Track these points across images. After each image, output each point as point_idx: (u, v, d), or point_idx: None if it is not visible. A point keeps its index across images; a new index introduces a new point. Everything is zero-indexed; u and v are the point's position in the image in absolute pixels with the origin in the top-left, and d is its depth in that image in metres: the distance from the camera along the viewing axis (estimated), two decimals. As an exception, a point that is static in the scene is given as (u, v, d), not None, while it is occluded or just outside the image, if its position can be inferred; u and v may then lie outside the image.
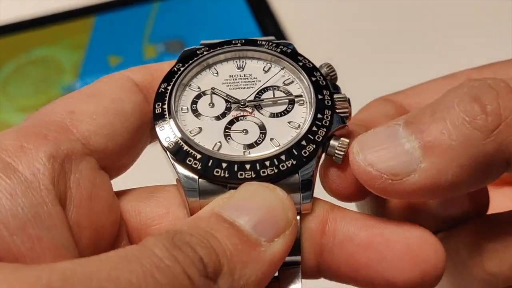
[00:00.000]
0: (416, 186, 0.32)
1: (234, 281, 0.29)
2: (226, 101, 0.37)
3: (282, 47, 0.39)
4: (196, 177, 0.34)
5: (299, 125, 0.36)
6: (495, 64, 0.43)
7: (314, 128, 0.35)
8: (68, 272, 0.25)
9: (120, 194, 0.36)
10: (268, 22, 0.88)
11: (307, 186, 0.34)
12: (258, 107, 0.37)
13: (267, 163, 0.34)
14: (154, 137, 0.36)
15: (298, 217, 0.34)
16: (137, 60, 0.84)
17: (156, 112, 0.36)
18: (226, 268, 0.29)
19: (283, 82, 0.38)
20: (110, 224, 0.34)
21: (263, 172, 0.34)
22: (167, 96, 0.36)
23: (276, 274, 0.34)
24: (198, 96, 0.38)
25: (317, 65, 0.38)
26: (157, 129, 0.36)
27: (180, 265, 0.27)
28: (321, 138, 0.35)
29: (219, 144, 0.35)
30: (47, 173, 0.31)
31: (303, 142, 0.35)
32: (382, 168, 0.32)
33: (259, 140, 0.36)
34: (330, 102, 0.36)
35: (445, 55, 0.81)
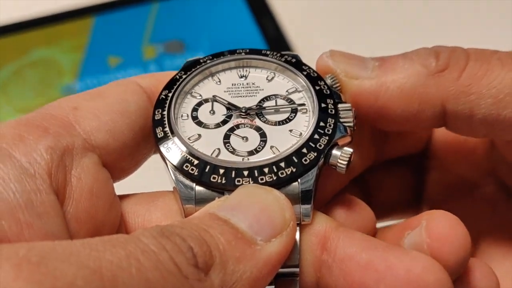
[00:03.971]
0: (361, 89, 0.37)
1: (227, 275, 0.28)
2: (227, 108, 0.37)
3: (286, 57, 0.39)
4: (193, 184, 0.34)
5: (301, 133, 0.36)
6: None
7: (316, 136, 0.35)
8: (47, 250, 0.24)
9: (120, 197, 0.36)
10: (268, 23, 0.88)
11: (307, 196, 0.33)
12: (259, 115, 0.37)
13: (266, 170, 0.33)
14: None
15: (297, 228, 0.33)
16: (136, 61, 0.83)
17: (156, 118, 0.36)
18: (218, 261, 0.28)
19: (286, 91, 0.38)
20: (110, 222, 0.33)
21: (261, 179, 0.33)
22: (167, 103, 0.36)
23: (273, 286, 0.33)
24: (199, 104, 0.37)
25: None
26: (156, 134, 0.35)
27: (167, 252, 0.26)
28: (322, 146, 0.34)
29: (218, 151, 0.35)
30: (43, 163, 0.31)
31: (304, 150, 0.34)
32: (339, 66, 0.37)
33: (259, 148, 0.35)
34: (333, 111, 0.36)
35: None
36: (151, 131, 0.36)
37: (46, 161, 0.31)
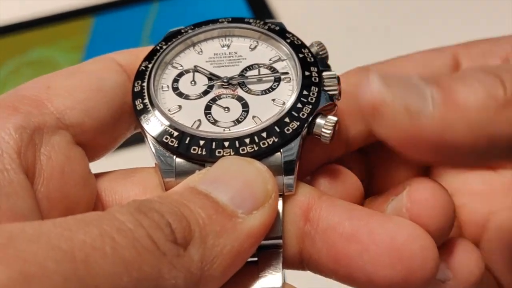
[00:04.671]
0: (422, 131, 0.30)
1: (207, 250, 0.27)
2: (209, 79, 0.36)
3: (270, 25, 0.38)
4: (173, 156, 0.33)
5: (284, 102, 0.34)
6: (481, 42, 0.42)
7: (299, 105, 0.33)
8: (16, 231, 0.23)
9: (96, 175, 0.35)
10: (268, 23, 0.87)
11: (290, 167, 0.32)
12: (242, 85, 0.36)
13: (247, 140, 0.32)
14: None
15: (280, 199, 0.32)
16: (136, 61, 0.83)
17: (135, 90, 0.35)
18: (198, 236, 0.27)
19: (269, 60, 0.37)
20: (84, 201, 0.32)
21: (243, 150, 0.32)
22: (147, 74, 0.35)
23: (256, 259, 0.32)
24: (180, 74, 0.36)
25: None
26: (135, 106, 0.35)
27: (144, 229, 0.26)
28: (306, 115, 0.33)
29: (199, 122, 0.34)
30: (12, 142, 0.30)
31: (286, 119, 0.33)
32: (397, 97, 0.29)
33: (241, 118, 0.34)
34: (317, 79, 0.35)
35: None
36: (131, 105, 0.35)
37: (15, 140, 0.30)
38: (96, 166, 0.35)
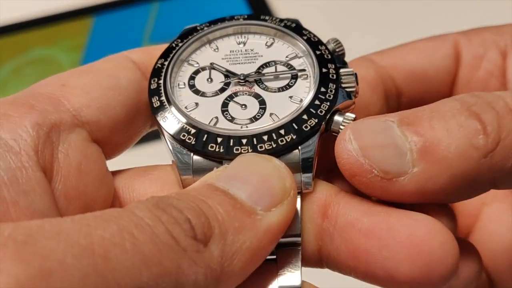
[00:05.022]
0: (403, 189, 0.31)
1: (226, 246, 0.27)
2: (226, 76, 0.36)
3: (286, 22, 0.38)
4: (190, 153, 0.33)
5: (301, 100, 0.34)
6: (482, 30, 0.42)
7: (317, 102, 0.33)
8: (35, 228, 0.23)
9: (114, 172, 0.35)
10: (268, 22, 0.87)
11: (308, 164, 0.32)
12: (258, 82, 0.35)
13: (265, 137, 0.32)
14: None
15: (298, 197, 0.32)
16: (137, 61, 0.83)
17: (152, 87, 0.35)
18: (217, 232, 0.27)
19: (286, 57, 0.37)
20: (101, 198, 0.32)
21: (261, 147, 0.32)
22: (163, 72, 0.35)
23: (274, 256, 0.32)
24: (197, 72, 0.36)
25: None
26: (152, 104, 0.34)
27: (163, 225, 0.26)
28: (324, 112, 0.33)
29: (216, 119, 0.34)
30: (29, 140, 0.30)
31: (304, 116, 0.33)
32: (375, 163, 0.31)
33: (258, 115, 0.34)
34: (335, 76, 0.35)
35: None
36: (147, 103, 0.35)
37: (32, 138, 0.30)
38: (113, 162, 0.35)
